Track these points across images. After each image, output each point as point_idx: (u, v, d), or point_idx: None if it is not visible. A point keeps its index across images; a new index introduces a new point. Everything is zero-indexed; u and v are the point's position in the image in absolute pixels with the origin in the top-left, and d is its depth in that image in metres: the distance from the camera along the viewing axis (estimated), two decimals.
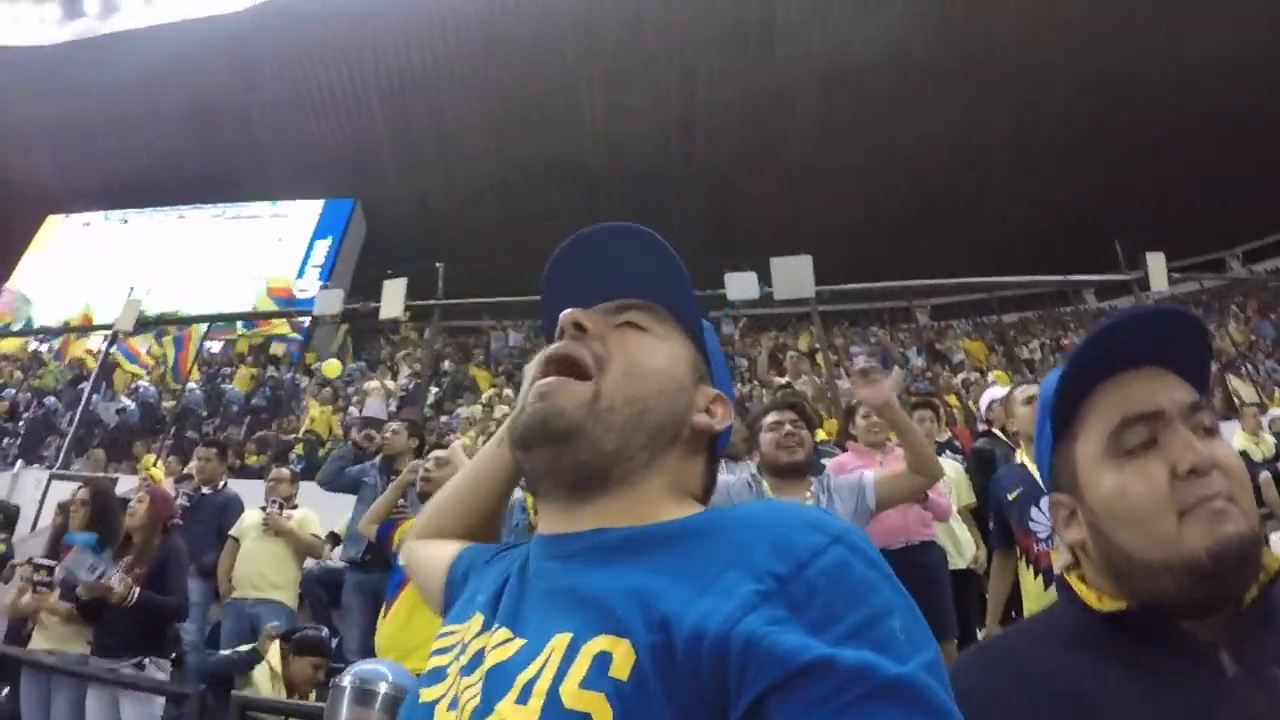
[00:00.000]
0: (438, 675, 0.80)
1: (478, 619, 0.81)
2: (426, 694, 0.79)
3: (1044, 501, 3.53)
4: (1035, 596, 3.56)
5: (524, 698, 0.65)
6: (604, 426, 0.81)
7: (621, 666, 0.63)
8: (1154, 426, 0.91)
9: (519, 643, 0.72)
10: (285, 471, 6.40)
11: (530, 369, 0.91)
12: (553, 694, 0.64)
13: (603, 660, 0.64)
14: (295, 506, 5.99)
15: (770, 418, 3.46)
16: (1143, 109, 20.87)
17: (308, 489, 6.46)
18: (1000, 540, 3.89)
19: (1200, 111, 20.53)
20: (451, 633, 0.85)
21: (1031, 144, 22.25)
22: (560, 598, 0.74)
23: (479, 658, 0.75)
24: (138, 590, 4.25)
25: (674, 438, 0.86)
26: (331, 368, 14.32)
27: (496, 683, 0.69)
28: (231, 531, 5.86)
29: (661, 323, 0.93)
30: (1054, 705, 0.85)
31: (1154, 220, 19.16)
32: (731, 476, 3.52)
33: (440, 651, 0.83)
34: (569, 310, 0.89)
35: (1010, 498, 3.71)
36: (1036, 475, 3.62)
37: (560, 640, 0.68)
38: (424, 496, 4.40)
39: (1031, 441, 3.70)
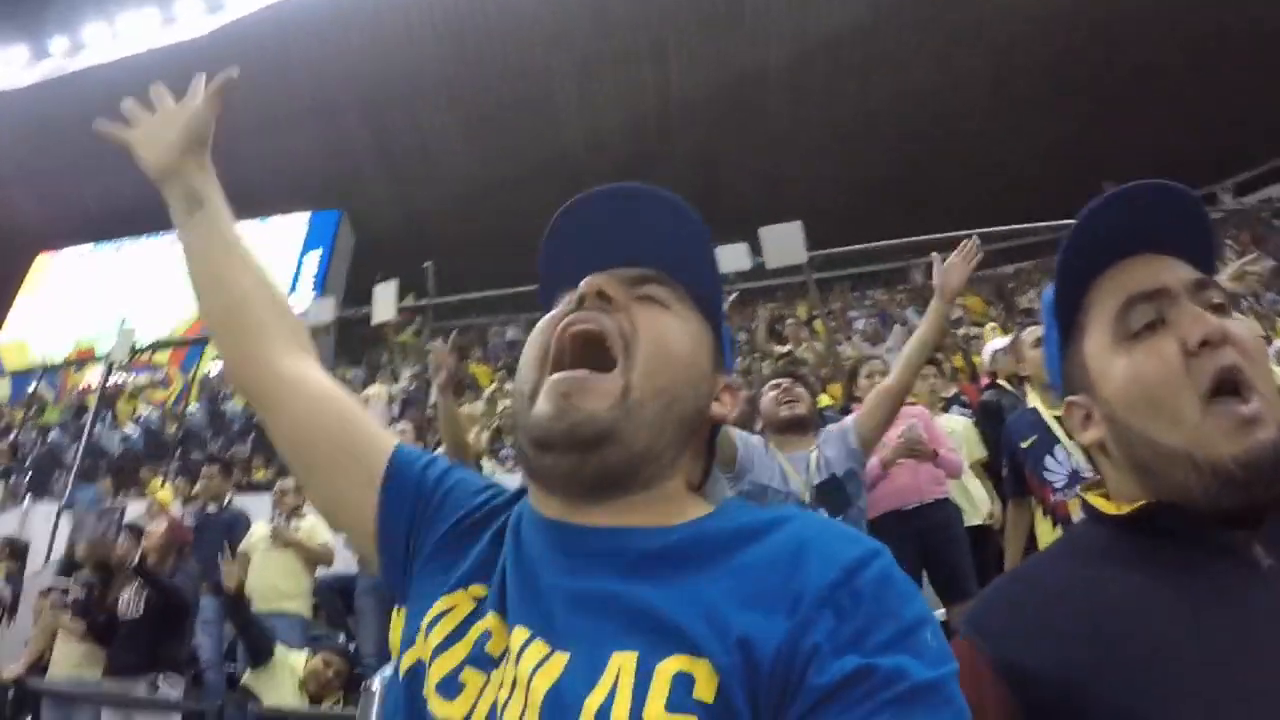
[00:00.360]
0: (453, 686, 0.71)
1: (492, 619, 0.74)
2: (444, 710, 0.71)
3: (1058, 450, 3.50)
4: None
5: None
6: (635, 424, 0.75)
7: (705, 688, 0.62)
8: (1160, 305, 0.87)
9: (562, 657, 0.67)
10: (290, 482, 6.35)
11: (543, 330, 0.82)
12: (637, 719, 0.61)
13: (684, 682, 0.62)
14: (303, 516, 5.95)
15: (770, 384, 3.70)
16: (1120, 45, 20.74)
17: None
18: (1014, 488, 3.84)
19: (1181, 42, 20.41)
20: (448, 611, 0.77)
21: (1011, 92, 22.10)
22: (601, 606, 0.69)
23: (506, 659, 0.70)
24: (139, 556, 4.30)
25: (695, 431, 0.82)
26: None
27: (558, 710, 0.64)
28: (241, 546, 5.81)
29: (681, 300, 0.86)
30: (1086, 624, 0.81)
31: (1142, 159, 18.92)
32: (753, 436, 3.63)
33: (445, 646, 0.74)
34: (593, 276, 0.82)
35: (1024, 445, 3.67)
36: (1050, 421, 3.59)
37: (624, 660, 0.64)
38: None
39: (1044, 386, 3.70)
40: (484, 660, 0.72)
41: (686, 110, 23.35)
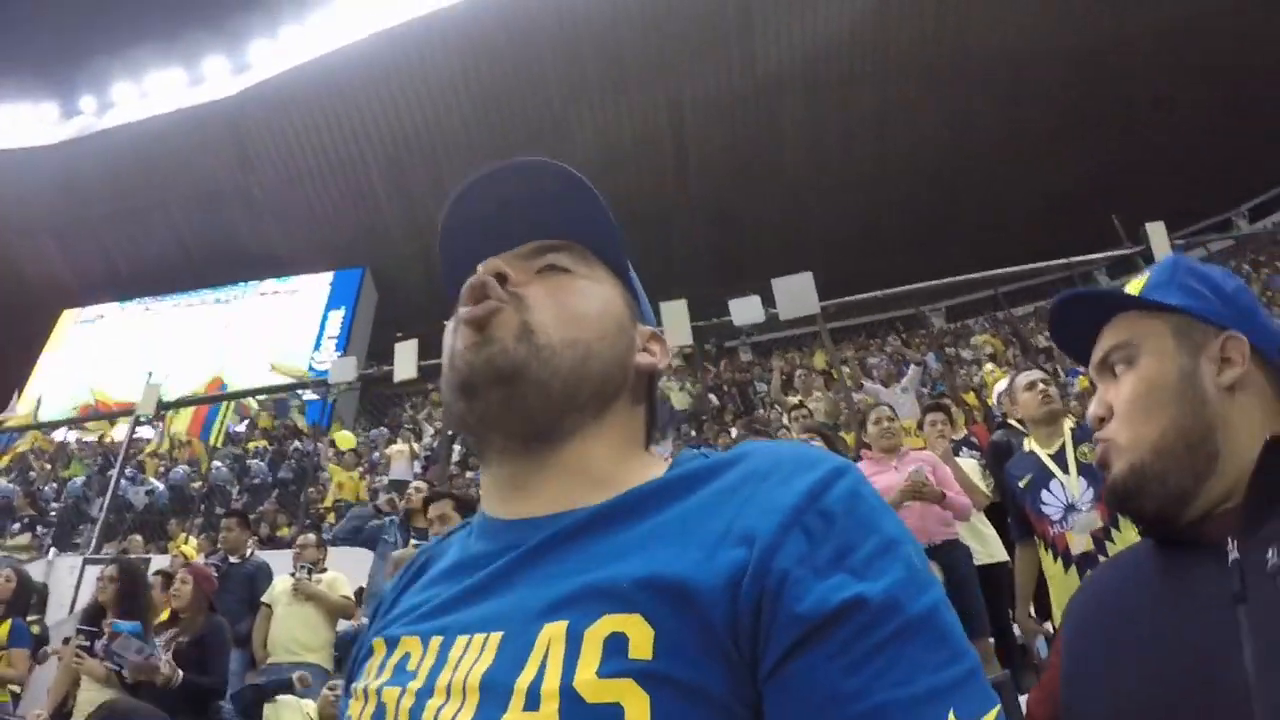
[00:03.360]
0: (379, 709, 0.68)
1: (408, 641, 0.71)
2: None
3: (1054, 484, 3.55)
4: (1059, 580, 3.53)
5: (533, 703, 0.57)
6: (549, 369, 0.72)
7: (642, 645, 0.57)
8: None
9: (495, 637, 0.63)
10: (311, 536, 6.39)
11: (448, 333, 0.79)
12: (568, 691, 0.56)
13: (617, 642, 0.57)
14: (324, 570, 6.01)
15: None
16: (1128, 78, 21.07)
17: (338, 555, 6.55)
18: (1020, 531, 3.87)
19: (1187, 73, 20.66)
20: (370, 657, 0.75)
21: (1023, 131, 22.37)
22: (535, 585, 0.66)
23: (438, 669, 0.66)
24: (181, 674, 4.33)
25: (621, 384, 0.79)
26: (345, 440, 14.32)
27: (492, 695, 0.60)
28: (263, 598, 5.87)
29: (587, 263, 0.83)
30: (1108, 620, 0.95)
31: (1157, 190, 19.15)
32: None
33: (367, 676, 0.73)
34: (489, 260, 0.79)
35: (1021, 485, 3.71)
36: (1045, 459, 3.64)
37: (554, 631, 0.60)
38: None
39: (1038, 426, 3.75)
40: (403, 675, 0.68)
41: (702, 158, 23.62)
